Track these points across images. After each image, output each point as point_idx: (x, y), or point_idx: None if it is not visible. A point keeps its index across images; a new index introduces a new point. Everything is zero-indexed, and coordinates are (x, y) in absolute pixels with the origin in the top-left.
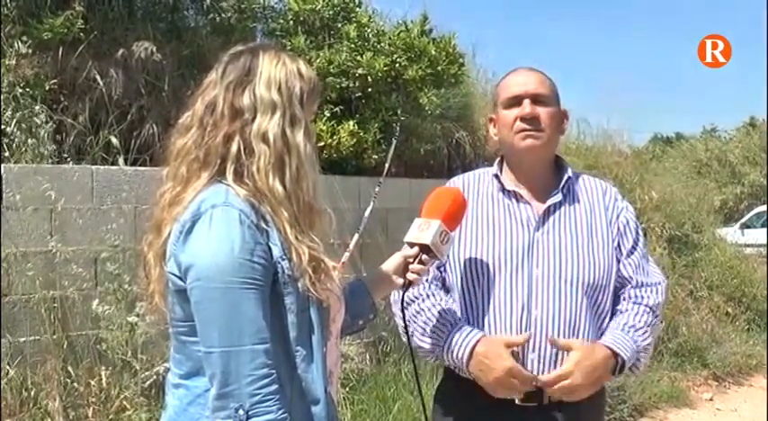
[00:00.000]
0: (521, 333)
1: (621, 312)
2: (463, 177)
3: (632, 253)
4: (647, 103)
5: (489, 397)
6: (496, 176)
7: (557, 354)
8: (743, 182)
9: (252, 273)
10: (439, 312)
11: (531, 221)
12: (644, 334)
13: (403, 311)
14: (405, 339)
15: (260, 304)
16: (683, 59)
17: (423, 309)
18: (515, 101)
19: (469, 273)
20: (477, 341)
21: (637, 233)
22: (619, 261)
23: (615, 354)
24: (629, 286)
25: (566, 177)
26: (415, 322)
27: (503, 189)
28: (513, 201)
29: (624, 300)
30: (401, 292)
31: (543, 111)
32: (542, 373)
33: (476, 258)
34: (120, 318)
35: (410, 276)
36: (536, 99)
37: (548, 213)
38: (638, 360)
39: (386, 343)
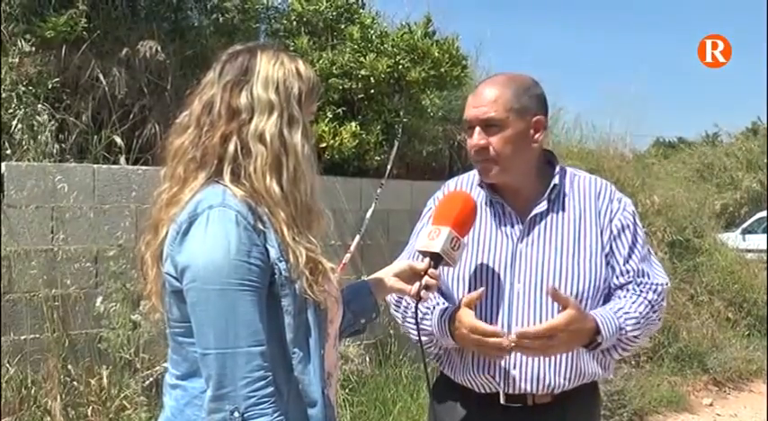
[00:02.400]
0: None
1: (619, 298)
2: (456, 180)
3: (630, 258)
4: (650, 106)
5: (474, 398)
6: (481, 186)
7: (542, 367)
8: (740, 187)
9: (248, 274)
10: (426, 306)
11: (515, 232)
12: (635, 324)
13: (417, 323)
14: (417, 344)
15: (256, 306)
16: (686, 62)
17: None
18: (469, 125)
19: (454, 284)
20: (449, 320)
21: (635, 235)
22: (613, 268)
23: (597, 332)
24: (631, 283)
25: (552, 184)
26: (411, 323)
27: (489, 199)
28: (499, 210)
29: (624, 291)
30: (413, 304)
31: (495, 140)
32: (525, 390)
33: (461, 270)
34: (122, 317)
35: (423, 294)
36: (487, 124)
37: (532, 223)
38: (617, 348)
39: (386, 345)
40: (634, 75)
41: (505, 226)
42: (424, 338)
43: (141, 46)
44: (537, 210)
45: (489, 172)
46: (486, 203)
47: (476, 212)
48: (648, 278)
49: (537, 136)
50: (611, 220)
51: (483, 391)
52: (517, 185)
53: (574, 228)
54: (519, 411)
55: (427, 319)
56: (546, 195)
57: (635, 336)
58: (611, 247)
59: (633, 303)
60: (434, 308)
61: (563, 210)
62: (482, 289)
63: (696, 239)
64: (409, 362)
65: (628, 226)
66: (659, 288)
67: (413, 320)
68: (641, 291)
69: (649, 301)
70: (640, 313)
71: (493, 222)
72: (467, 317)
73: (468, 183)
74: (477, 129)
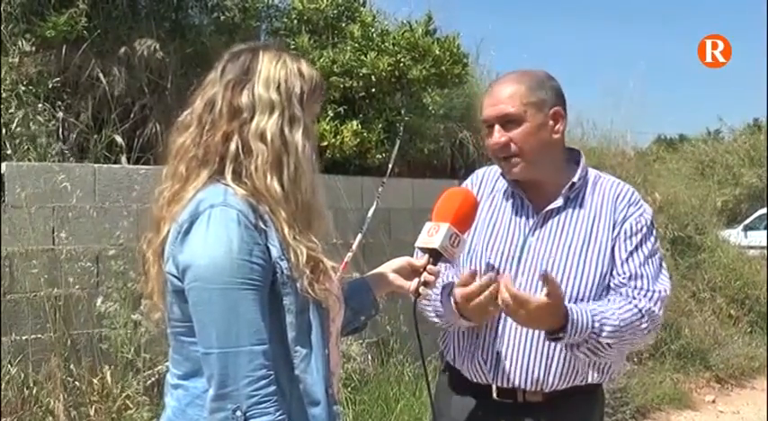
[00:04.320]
0: (500, 340)
1: (608, 300)
2: (486, 170)
3: (629, 259)
4: (651, 103)
5: (468, 391)
6: (503, 175)
7: (532, 362)
8: (741, 183)
9: (250, 273)
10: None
11: (528, 224)
12: (611, 332)
13: (415, 320)
14: (418, 341)
15: (258, 305)
16: (687, 60)
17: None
18: (488, 124)
19: (464, 272)
20: (449, 295)
21: (644, 240)
22: (612, 268)
23: (563, 329)
24: (625, 286)
25: (570, 182)
26: (426, 303)
27: (510, 189)
28: (518, 202)
29: (617, 294)
30: (412, 300)
31: (515, 134)
32: (516, 382)
33: (472, 258)
34: (124, 317)
35: (422, 290)
36: (506, 120)
37: (546, 218)
38: (588, 348)
39: (388, 343)
40: (634, 71)
41: (520, 218)
42: (439, 319)
43: (138, 44)
44: (552, 205)
45: (513, 168)
46: (506, 194)
47: (476, 208)
48: (646, 284)
49: (557, 127)
50: (623, 221)
51: (476, 381)
52: (540, 179)
53: (586, 227)
54: (510, 407)
55: (440, 302)
56: (564, 192)
57: (608, 344)
58: (614, 246)
59: (618, 309)
60: (444, 288)
61: (579, 208)
62: (472, 270)
63: (698, 236)
64: (411, 360)
65: (639, 231)
66: (655, 295)
67: (428, 308)
68: (633, 297)
69: (639, 310)
70: (623, 320)
71: (509, 213)
72: (458, 294)
73: (494, 175)
74: (497, 126)
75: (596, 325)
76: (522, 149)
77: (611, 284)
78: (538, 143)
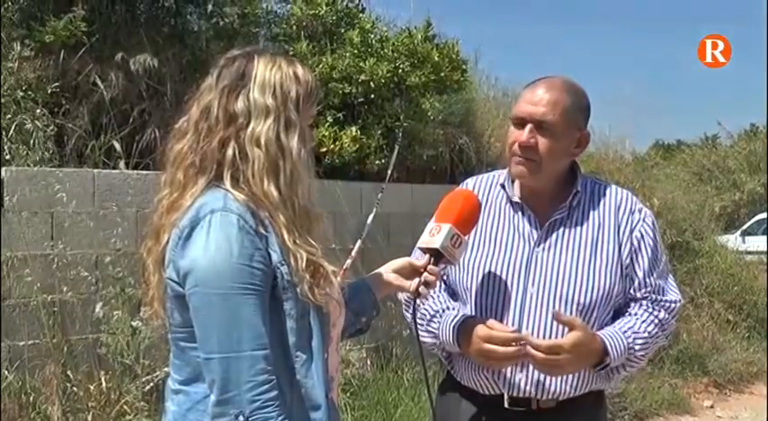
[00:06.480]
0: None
1: (630, 315)
2: (477, 179)
3: (651, 272)
4: (649, 109)
5: (479, 400)
6: (503, 186)
7: (543, 377)
8: (742, 189)
9: (251, 278)
10: (434, 308)
11: (533, 236)
12: (643, 344)
13: (414, 319)
14: (419, 345)
15: (259, 310)
16: (686, 64)
17: (424, 309)
18: (520, 121)
19: (467, 283)
20: (459, 325)
21: (654, 247)
22: (632, 280)
23: (606, 353)
24: (646, 299)
25: (574, 191)
26: (419, 321)
27: (510, 200)
28: (519, 213)
29: (637, 305)
30: (411, 301)
31: (542, 142)
32: (529, 394)
33: (474, 269)
34: (122, 323)
35: (422, 290)
36: (540, 125)
37: (551, 228)
38: (624, 366)
39: (387, 348)
40: (632, 77)
41: (524, 229)
42: (430, 340)
43: (134, 62)
44: (557, 215)
45: (528, 172)
46: (506, 204)
47: (479, 210)
48: (663, 295)
49: (577, 149)
50: (631, 232)
51: (487, 393)
52: (541, 190)
53: (592, 236)
54: (523, 415)
55: (435, 322)
56: (567, 202)
57: (642, 356)
58: (631, 260)
59: (643, 322)
60: (443, 311)
61: (582, 218)
62: (512, 329)
63: (696, 241)
64: (410, 365)
65: (647, 235)
66: (672, 306)
67: (421, 327)
68: (653, 309)
69: (660, 321)
70: (649, 333)
71: (511, 224)
72: (481, 330)
73: (487, 183)
74: (530, 126)
75: (630, 342)
76: (542, 158)
77: (634, 295)
78: (556, 157)
